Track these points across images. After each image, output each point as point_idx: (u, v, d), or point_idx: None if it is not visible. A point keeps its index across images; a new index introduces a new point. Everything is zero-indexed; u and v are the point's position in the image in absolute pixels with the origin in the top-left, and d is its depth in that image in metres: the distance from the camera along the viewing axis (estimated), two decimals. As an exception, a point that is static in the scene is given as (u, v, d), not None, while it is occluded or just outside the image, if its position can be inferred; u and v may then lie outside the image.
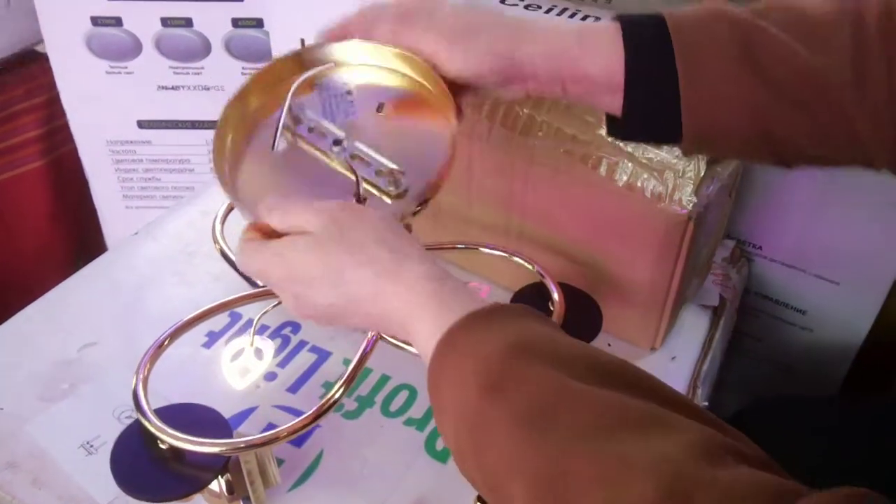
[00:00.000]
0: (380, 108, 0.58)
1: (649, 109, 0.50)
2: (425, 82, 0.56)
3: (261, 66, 0.58)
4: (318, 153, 0.56)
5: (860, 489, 0.30)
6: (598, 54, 0.50)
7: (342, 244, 0.45)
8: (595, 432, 0.35)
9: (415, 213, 0.53)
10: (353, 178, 0.53)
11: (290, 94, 0.55)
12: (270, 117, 0.57)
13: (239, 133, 0.57)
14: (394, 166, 0.53)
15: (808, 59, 0.47)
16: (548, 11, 0.81)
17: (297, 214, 0.48)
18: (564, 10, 0.81)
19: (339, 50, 0.58)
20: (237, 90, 0.56)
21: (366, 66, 0.58)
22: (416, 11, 0.54)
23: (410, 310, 0.44)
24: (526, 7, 0.81)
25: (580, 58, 0.50)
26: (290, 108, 0.55)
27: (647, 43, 0.49)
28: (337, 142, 0.55)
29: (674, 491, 0.31)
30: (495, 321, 0.41)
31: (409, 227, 0.54)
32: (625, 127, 0.52)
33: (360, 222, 0.46)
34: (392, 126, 0.57)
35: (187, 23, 1.08)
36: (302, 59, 0.58)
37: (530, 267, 0.67)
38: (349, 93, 0.58)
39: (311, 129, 0.56)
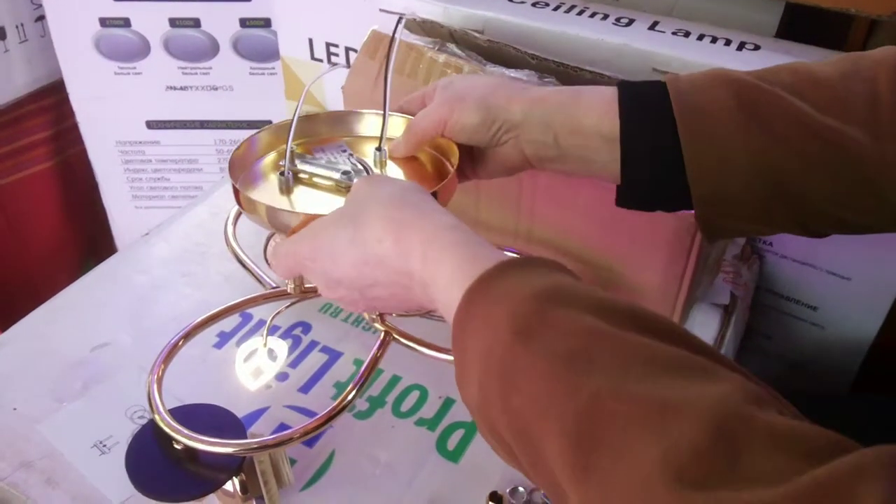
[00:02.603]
0: (378, 148, 0.60)
1: (652, 172, 0.50)
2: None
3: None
4: (323, 181, 0.57)
5: None
6: (594, 108, 0.50)
7: (366, 203, 0.46)
8: (635, 375, 0.33)
9: None
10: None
11: (290, 139, 0.55)
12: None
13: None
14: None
15: (819, 119, 0.46)
16: (556, 8, 0.81)
17: None
18: (573, 7, 0.81)
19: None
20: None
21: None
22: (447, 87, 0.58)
23: (433, 261, 0.42)
24: (533, 5, 0.81)
25: (574, 110, 0.51)
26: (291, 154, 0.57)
27: (644, 103, 0.49)
28: (345, 172, 0.56)
29: (725, 431, 0.30)
30: (529, 270, 0.39)
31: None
32: (628, 190, 0.52)
33: (386, 182, 0.48)
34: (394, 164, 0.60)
35: (195, 23, 1.08)
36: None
37: (541, 266, 0.67)
38: (344, 150, 0.61)
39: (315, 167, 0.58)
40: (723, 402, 0.31)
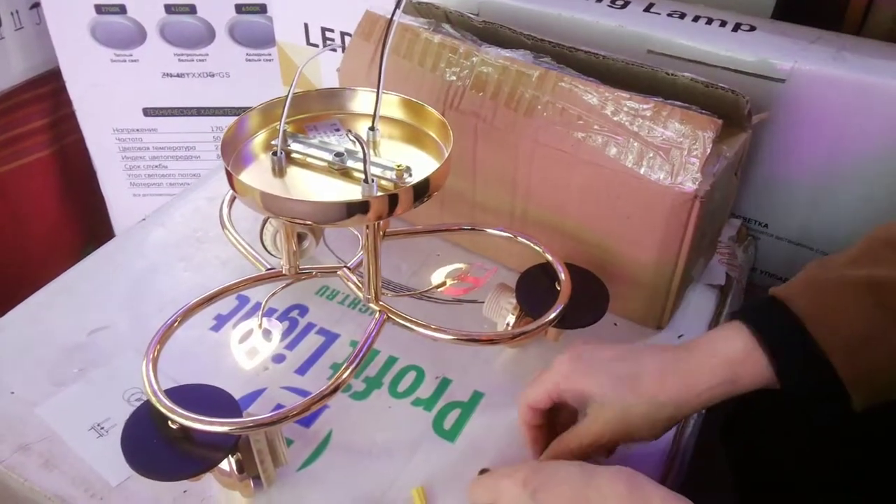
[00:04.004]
0: (372, 128, 0.60)
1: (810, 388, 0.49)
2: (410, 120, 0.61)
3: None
4: (315, 161, 0.57)
5: None
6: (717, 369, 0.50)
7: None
8: None
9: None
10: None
11: (283, 119, 0.55)
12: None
13: None
14: (398, 163, 0.55)
15: None
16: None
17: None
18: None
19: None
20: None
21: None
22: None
23: None
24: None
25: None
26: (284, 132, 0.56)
27: (779, 338, 0.48)
28: (338, 154, 0.56)
29: None
30: None
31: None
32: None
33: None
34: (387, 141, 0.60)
35: (191, 9, 1.08)
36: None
37: (536, 247, 0.67)
38: (338, 129, 0.60)
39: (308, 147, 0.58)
40: None
